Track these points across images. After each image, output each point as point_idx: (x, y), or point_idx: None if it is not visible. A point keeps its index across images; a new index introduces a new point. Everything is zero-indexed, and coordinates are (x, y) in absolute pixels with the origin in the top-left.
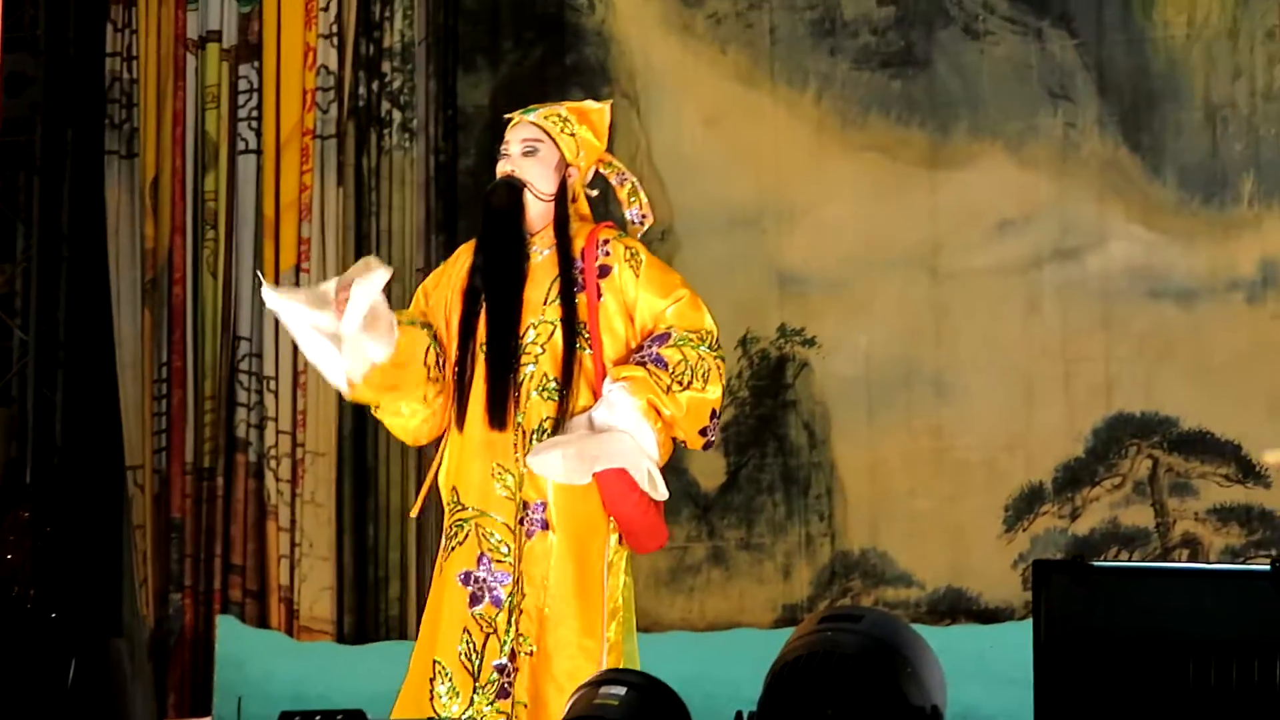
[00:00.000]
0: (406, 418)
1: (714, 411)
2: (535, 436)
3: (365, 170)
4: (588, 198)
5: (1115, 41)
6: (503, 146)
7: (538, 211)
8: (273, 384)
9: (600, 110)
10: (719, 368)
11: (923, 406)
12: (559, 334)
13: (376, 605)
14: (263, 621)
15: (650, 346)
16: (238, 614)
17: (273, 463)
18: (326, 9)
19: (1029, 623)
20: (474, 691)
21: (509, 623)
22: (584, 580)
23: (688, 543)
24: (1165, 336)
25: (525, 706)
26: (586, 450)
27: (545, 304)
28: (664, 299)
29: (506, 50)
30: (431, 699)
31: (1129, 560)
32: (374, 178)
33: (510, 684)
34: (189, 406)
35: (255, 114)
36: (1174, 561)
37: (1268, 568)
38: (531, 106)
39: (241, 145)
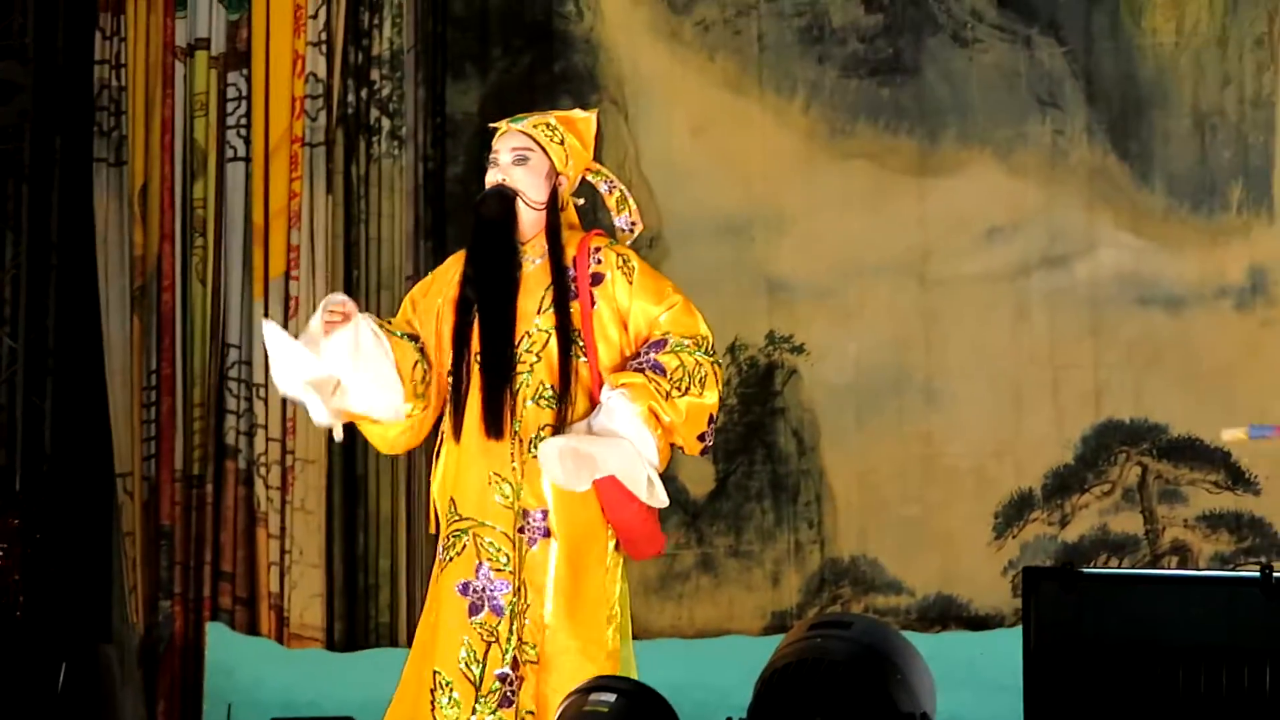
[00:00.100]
0: (386, 427)
1: (711, 417)
2: (533, 445)
3: (354, 177)
4: (575, 206)
5: (1104, 49)
6: (491, 155)
7: (529, 220)
8: (262, 391)
9: (587, 119)
10: (716, 373)
11: (912, 413)
12: (554, 342)
13: (366, 612)
14: (253, 628)
15: (648, 353)
16: (227, 621)
17: (262, 470)
18: (315, 17)
19: (1019, 629)
20: (476, 701)
21: (510, 631)
22: (586, 587)
23: (677, 550)
24: (1154, 343)
25: (531, 714)
26: (588, 455)
27: (539, 313)
28: (658, 305)
29: (495, 58)
30: (433, 709)
31: (1118, 567)
32: (363, 185)
33: (514, 692)
34: (178, 414)
35: (244, 121)
36: (1163, 568)
37: (1257, 574)
38: (519, 115)
39: (230, 153)
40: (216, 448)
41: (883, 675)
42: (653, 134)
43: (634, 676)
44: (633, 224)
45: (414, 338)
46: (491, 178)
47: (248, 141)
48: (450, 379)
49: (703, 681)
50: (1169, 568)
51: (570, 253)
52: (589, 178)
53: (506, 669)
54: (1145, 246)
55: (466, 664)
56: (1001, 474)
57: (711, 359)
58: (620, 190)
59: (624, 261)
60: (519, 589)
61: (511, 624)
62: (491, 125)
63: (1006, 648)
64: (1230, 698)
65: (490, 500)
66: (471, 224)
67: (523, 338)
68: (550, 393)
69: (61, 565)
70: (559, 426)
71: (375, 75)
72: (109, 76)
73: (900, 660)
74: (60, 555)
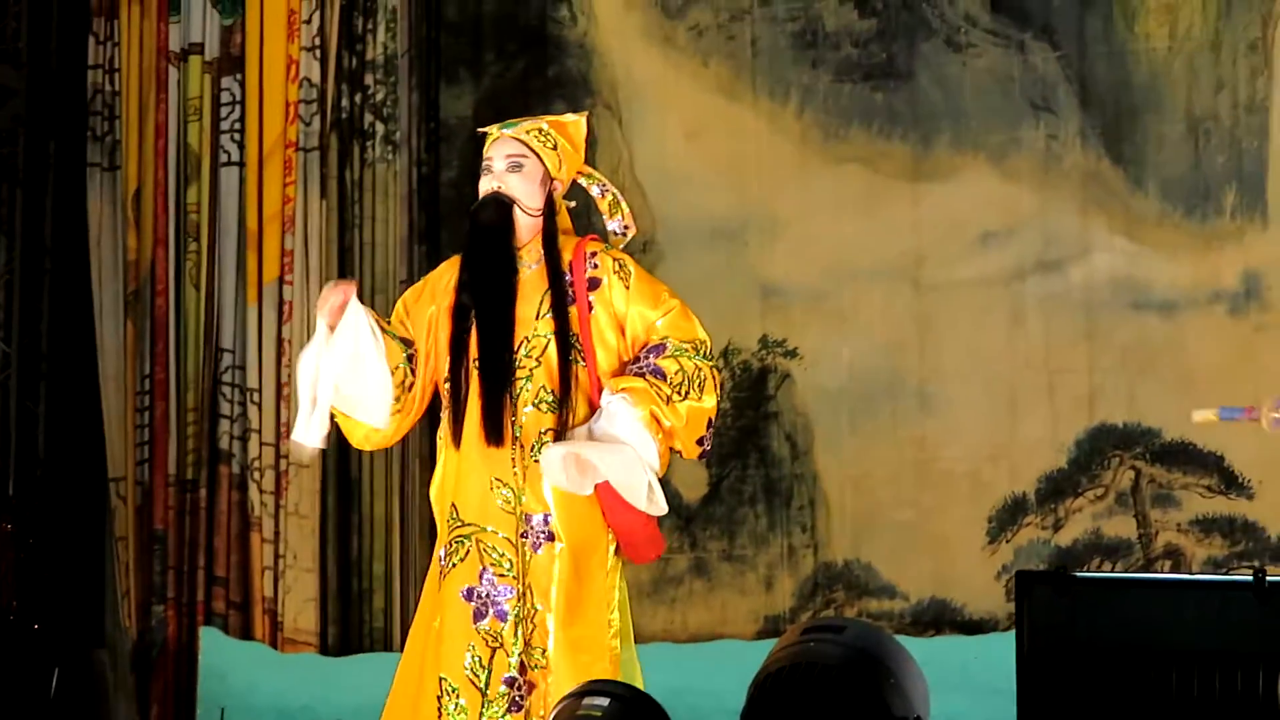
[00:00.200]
0: (357, 423)
1: (710, 421)
2: (535, 449)
3: (348, 182)
4: (567, 209)
5: (1097, 54)
6: (484, 162)
7: (525, 226)
8: (256, 396)
9: (577, 122)
10: (714, 377)
11: (906, 418)
12: (553, 347)
13: (360, 617)
14: (246, 633)
15: (647, 357)
16: (221, 626)
17: (256, 474)
18: (309, 21)
19: (1012, 633)
20: (482, 706)
21: (515, 635)
22: (588, 590)
23: (670, 554)
24: (1148, 348)
25: (542, 718)
26: (589, 460)
27: (538, 318)
28: (655, 310)
29: (489, 63)
30: (440, 716)
31: (1111, 571)
32: (357, 190)
33: (522, 697)
34: (172, 418)
35: (238, 126)
36: (1156, 572)
37: (1250, 578)
38: (509, 121)
39: (224, 157)
40: (210, 452)
41: (876, 679)
42: (646, 139)
43: (638, 680)
44: (625, 228)
45: (407, 342)
46: (486, 185)
47: (241, 146)
48: (448, 385)
49: (696, 686)
50: (1162, 572)
51: (566, 257)
52: (581, 181)
53: (514, 674)
54: (1139, 251)
55: (472, 670)
56: (995, 478)
57: (710, 363)
58: (613, 194)
59: (620, 266)
60: (523, 594)
61: (517, 629)
62: (481, 130)
63: (1000, 652)
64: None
65: (492, 506)
66: (467, 230)
67: (521, 343)
68: (551, 398)
69: (54, 570)
70: (560, 431)
71: (369, 80)
72: (103, 81)
73: (894, 664)
74: (53, 560)
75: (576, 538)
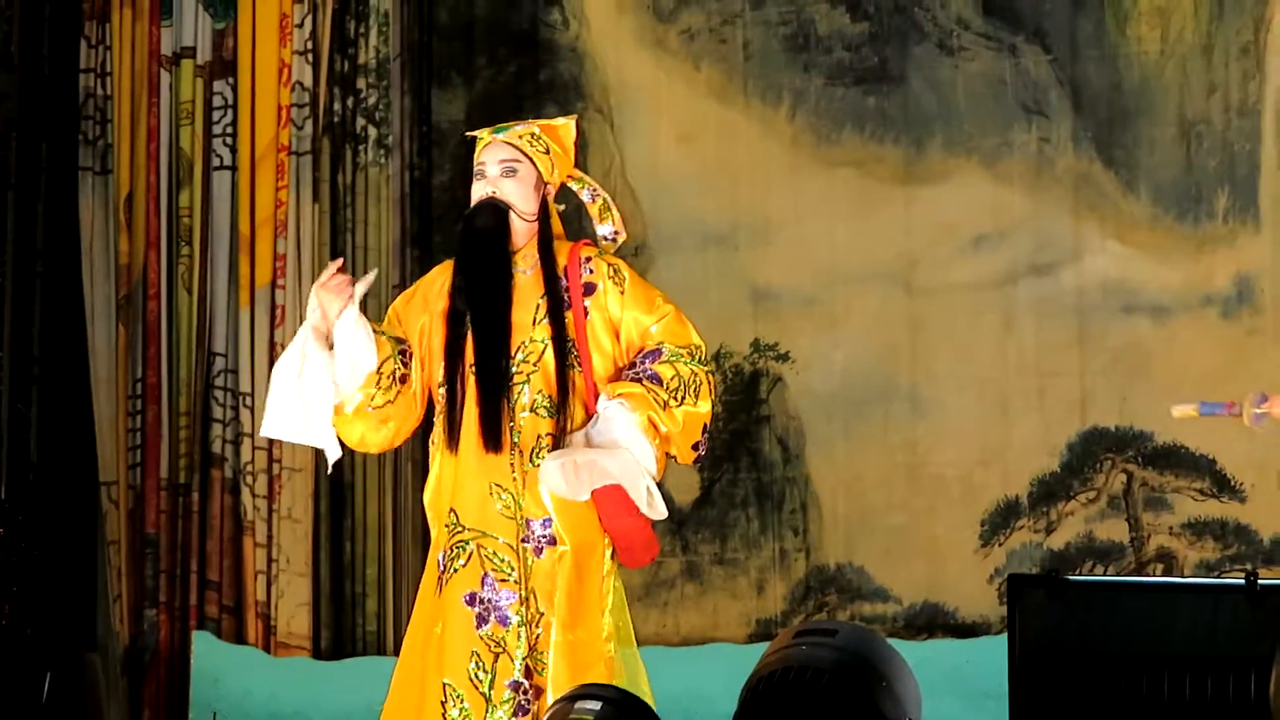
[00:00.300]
0: (352, 422)
1: (706, 426)
2: (534, 454)
3: (340, 186)
4: (558, 212)
5: (1089, 57)
6: (477, 167)
7: (520, 231)
8: (248, 400)
9: (567, 125)
10: (710, 382)
11: (898, 421)
12: (550, 352)
13: (353, 621)
14: (239, 637)
15: (643, 363)
16: (214, 630)
17: (249, 478)
18: (301, 25)
19: (1005, 637)
20: (487, 711)
21: (519, 639)
22: (589, 593)
23: (662, 558)
24: (1140, 351)
25: None
26: (587, 465)
27: (534, 324)
28: (650, 315)
29: (481, 66)
30: None
31: (1104, 574)
32: (349, 194)
33: (529, 701)
34: (164, 422)
35: (230, 130)
36: (1149, 576)
37: (1242, 582)
38: (500, 125)
39: (216, 161)
40: (202, 456)
41: (868, 683)
42: (638, 142)
43: (642, 681)
44: (615, 233)
45: (400, 340)
46: (480, 190)
47: (234, 150)
48: (443, 390)
49: (688, 689)
50: (1154, 575)
51: (561, 262)
52: (572, 185)
53: (519, 678)
54: (1131, 254)
55: (475, 675)
56: (988, 482)
57: (706, 368)
58: (604, 199)
59: (615, 271)
60: (526, 599)
61: (521, 633)
62: (470, 134)
63: (993, 655)
64: (1215, 704)
65: (492, 511)
66: (460, 235)
67: (518, 348)
68: (548, 403)
69: (46, 574)
70: (558, 436)
71: (361, 84)
72: (94, 85)
73: (886, 668)
74: (45, 564)
75: (578, 541)
